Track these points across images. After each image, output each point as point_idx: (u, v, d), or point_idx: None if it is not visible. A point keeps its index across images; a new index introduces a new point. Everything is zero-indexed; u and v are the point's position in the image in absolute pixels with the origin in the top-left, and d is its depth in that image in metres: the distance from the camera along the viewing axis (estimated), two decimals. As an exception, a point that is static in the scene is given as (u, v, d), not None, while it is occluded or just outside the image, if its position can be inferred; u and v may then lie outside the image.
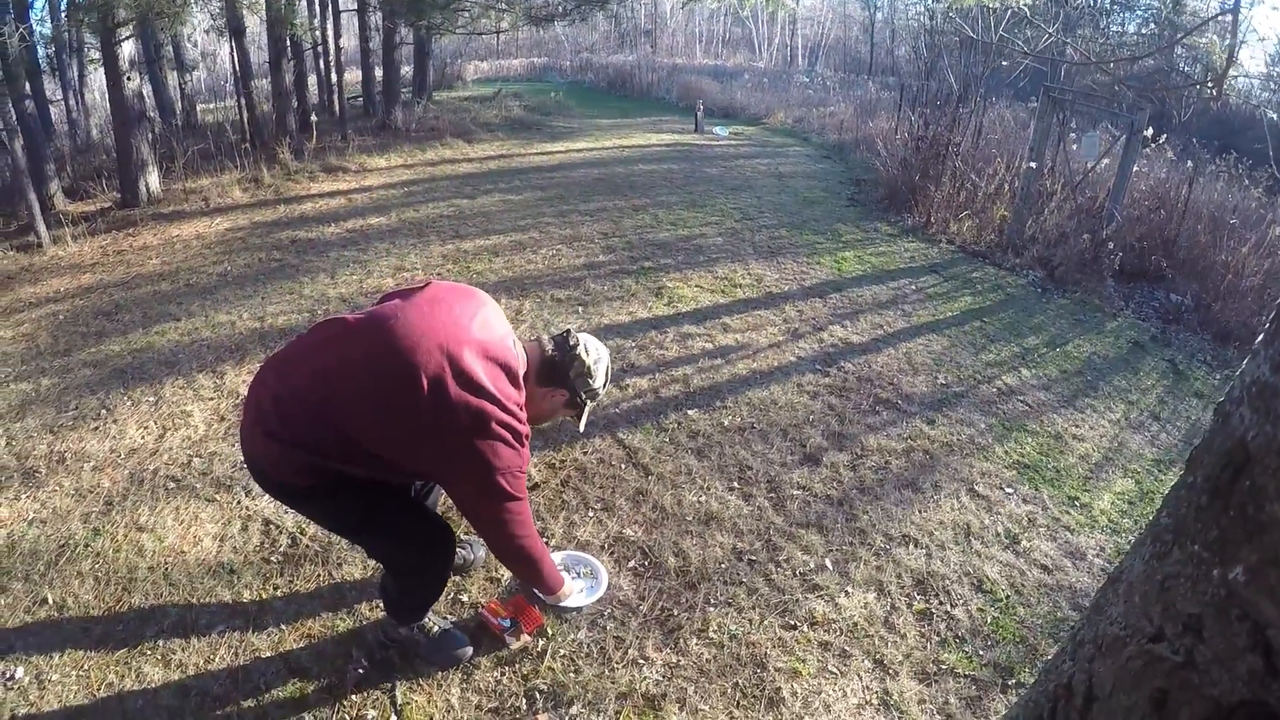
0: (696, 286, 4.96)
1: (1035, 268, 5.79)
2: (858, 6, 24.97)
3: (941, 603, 2.41)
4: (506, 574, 2.40)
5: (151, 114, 8.44)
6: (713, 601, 2.36)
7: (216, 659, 2.11)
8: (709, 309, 4.61)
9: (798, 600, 2.38)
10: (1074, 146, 6.95)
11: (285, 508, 2.66)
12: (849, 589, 2.44)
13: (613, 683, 2.06)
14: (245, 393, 3.41)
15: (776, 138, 11.91)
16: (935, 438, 3.34)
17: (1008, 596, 2.46)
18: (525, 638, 2.17)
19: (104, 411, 3.40)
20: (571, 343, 1.86)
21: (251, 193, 7.22)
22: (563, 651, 2.15)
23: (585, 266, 5.28)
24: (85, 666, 2.09)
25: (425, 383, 1.59)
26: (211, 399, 3.50)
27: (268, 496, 2.73)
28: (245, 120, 8.90)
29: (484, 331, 1.72)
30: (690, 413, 3.43)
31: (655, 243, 5.86)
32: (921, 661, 2.19)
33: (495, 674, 2.07)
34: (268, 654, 2.13)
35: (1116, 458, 3.37)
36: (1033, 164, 6.10)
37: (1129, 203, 6.19)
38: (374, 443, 1.65)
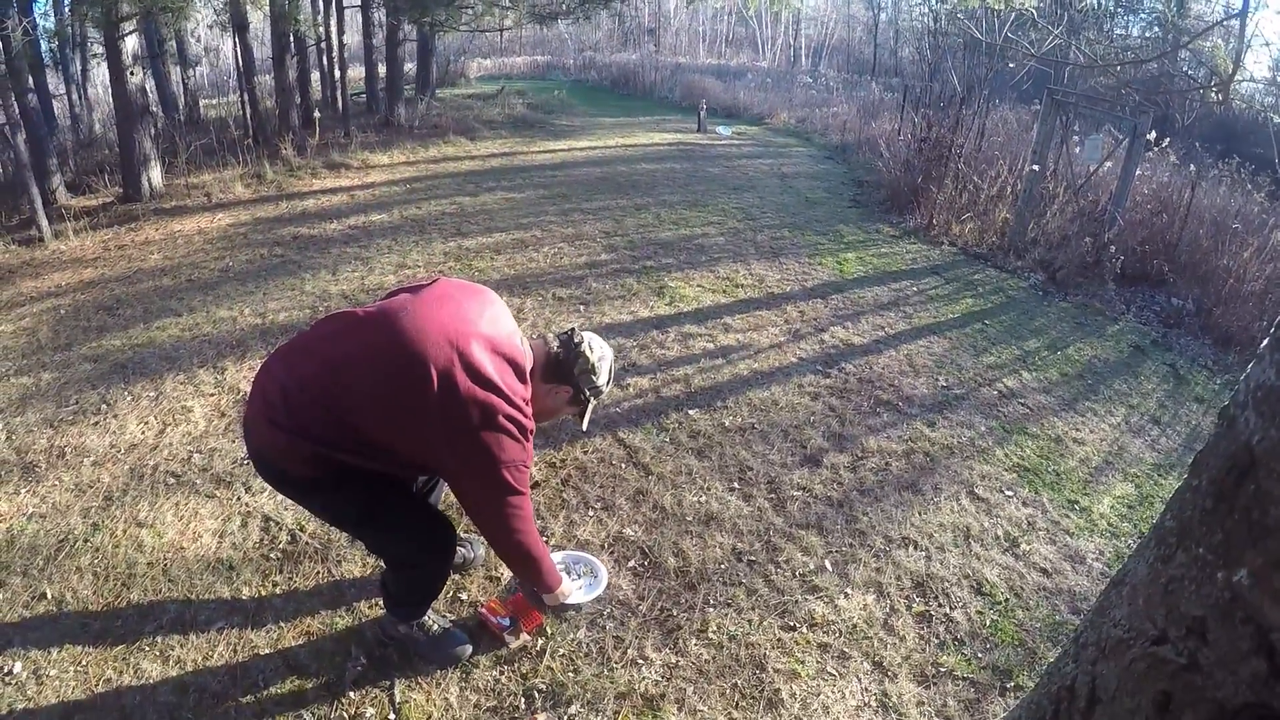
0: (698, 286, 4.95)
1: (1037, 270, 5.78)
2: (862, 7, 24.94)
3: (941, 605, 2.41)
4: (506, 573, 2.39)
5: (154, 109, 8.45)
6: (712, 602, 2.35)
7: (215, 656, 2.11)
8: (710, 309, 4.61)
9: (797, 601, 2.37)
10: (1077, 149, 6.94)
11: (285, 504, 2.67)
12: (848, 590, 2.44)
13: (611, 682, 2.06)
14: (247, 389, 3.42)
15: (779, 138, 11.91)
16: (935, 440, 3.34)
17: (1007, 599, 2.46)
18: (524, 637, 2.17)
19: (104, 406, 3.40)
20: (576, 340, 1.87)
21: (254, 188, 7.22)
22: (562, 651, 2.15)
23: (587, 265, 5.28)
24: (83, 662, 2.09)
25: (435, 375, 1.61)
26: (212, 395, 3.50)
27: (268, 492, 2.74)
28: (248, 116, 8.91)
29: (492, 327, 1.74)
30: (691, 413, 3.43)
31: (657, 242, 5.85)
32: (920, 664, 2.19)
33: (494, 673, 2.07)
34: (266, 651, 2.13)
35: (1116, 462, 3.37)
36: (1035, 167, 6.10)
37: (1131, 206, 6.19)
38: (380, 433, 1.67)
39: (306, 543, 2.53)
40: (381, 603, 2.12)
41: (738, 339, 4.20)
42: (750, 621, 2.29)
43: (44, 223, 5.82)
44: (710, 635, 2.23)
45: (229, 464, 2.97)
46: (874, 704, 2.05)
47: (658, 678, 2.08)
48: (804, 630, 2.27)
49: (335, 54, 10.71)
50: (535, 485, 2.86)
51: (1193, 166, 7.07)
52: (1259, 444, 0.67)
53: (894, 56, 21.15)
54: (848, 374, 3.87)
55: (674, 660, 2.14)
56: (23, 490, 2.81)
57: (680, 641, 2.20)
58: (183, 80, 10.79)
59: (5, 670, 2.05)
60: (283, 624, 2.22)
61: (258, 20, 11.32)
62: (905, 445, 3.28)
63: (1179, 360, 4.61)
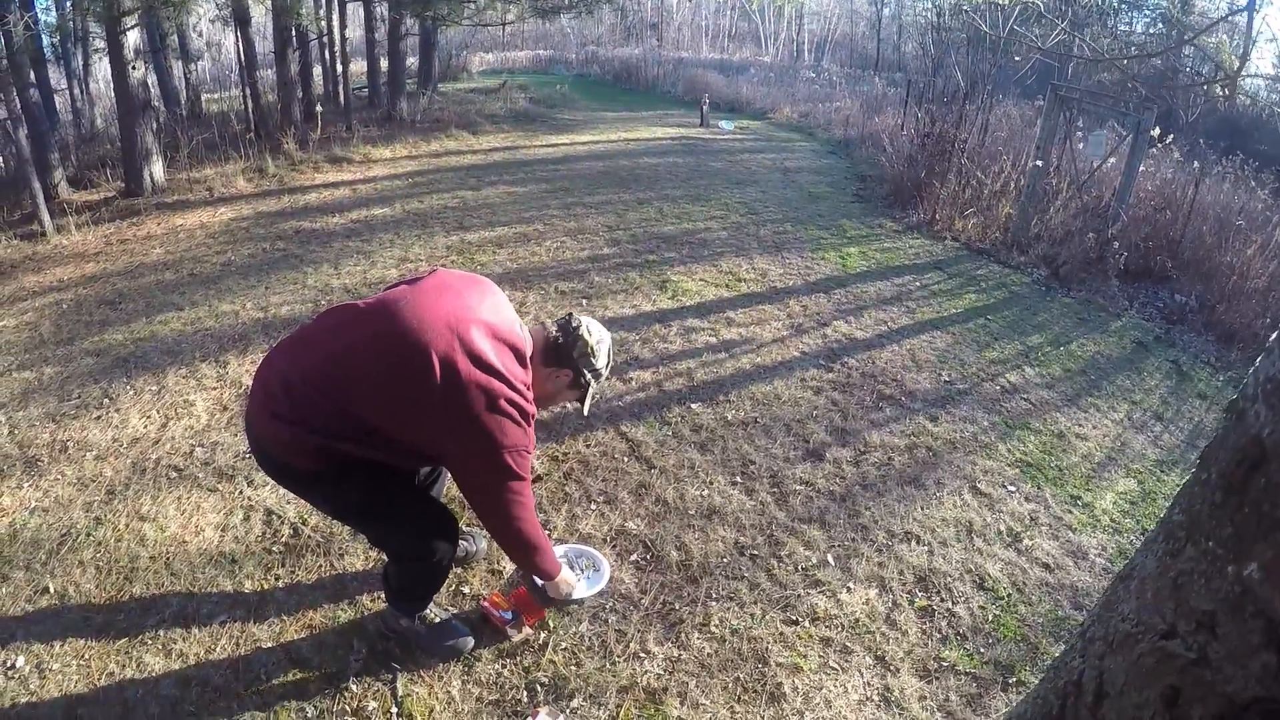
0: (701, 280, 4.94)
1: (1040, 266, 5.77)
2: (865, 2, 24.89)
3: (943, 600, 2.41)
4: (509, 567, 2.39)
5: (156, 103, 8.43)
6: (714, 596, 2.35)
7: (217, 649, 2.11)
8: (713, 303, 4.60)
9: (799, 596, 2.37)
10: (1080, 145, 6.91)
11: (288, 497, 2.67)
12: (851, 585, 2.44)
13: (614, 676, 2.06)
14: (248, 382, 3.41)
15: (782, 133, 11.88)
16: (938, 435, 3.33)
17: (1009, 594, 2.46)
18: (527, 630, 2.17)
19: (106, 400, 3.40)
20: (574, 325, 1.89)
21: (256, 183, 7.21)
22: (564, 644, 2.15)
23: (589, 259, 5.27)
24: (86, 656, 2.09)
25: (437, 362, 1.62)
26: (214, 388, 3.50)
27: (270, 486, 2.74)
28: (250, 110, 8.89)
29: (492, 314, 1.76)
30: (693, 406, 3.42)
31: (660, 236, 5.84)
32: (923, 658, 2.18)
33: (496, 666, 2.07)
34: (269, 644, 2.13)
35: (1119, 457, 3.36)
36: (1039, 162, 6.08)
37: (1134, 202, 6.17)
38: (383, 422, 1.68)
39: (309, 536, 2.53)
40: (383, 596, 2.12)
41: (740, 333, 4.19)
42: (752, 615, 2.28)
43: (46, 217, 5.82)
44: (712, 629, 2.23)
45: (231, 457, 2.97)
46: (876, 698, 2.05)
47: (660, 671, 2.08)
48: (806, 624, 2.27)
49: (337, 48, 10.69)
50: (538, 479, 2.86)
51: (1197, 163, 7.06)
52: (1269, 437, 0.66)
53: (897, 51, 21.09)
54: (850, 368, 3.87)
55: (676, 654, 2.14)
56: (25, 484, 2.81)
57: (682, 635, 2.20)
58: (185, 75, 10.78)
59: (8, 664, 2.05)
60: (285, 617, 2.22)
61: (260, 14, 11.31)
62: (908, 440, 3.27)
63: (1182, 356, 4.60)
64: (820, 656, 2.16)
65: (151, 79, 8.24)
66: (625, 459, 3.03)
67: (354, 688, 1.99)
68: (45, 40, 9.63)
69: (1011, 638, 2.28)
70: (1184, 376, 4.31)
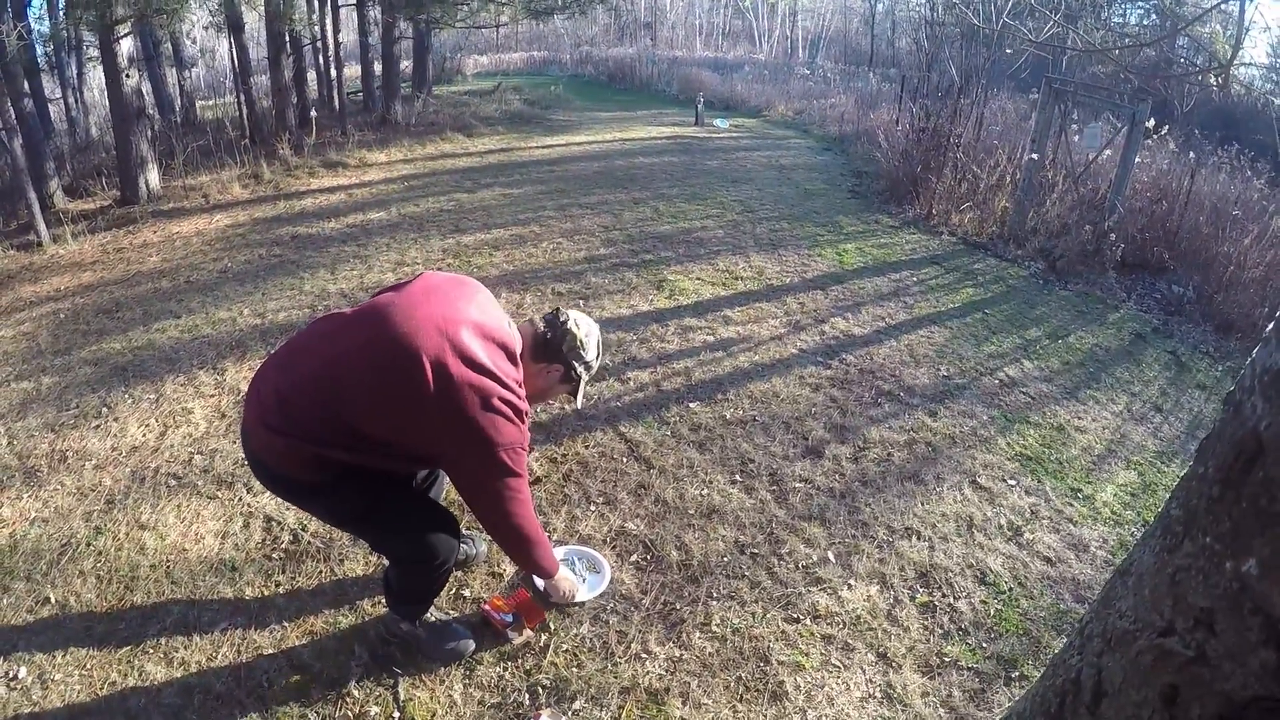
0: (697, 279, 4.94)
1: (1037, 259, 5.77)
2: (858, -2, 24.85)
3: (944, 595, 2.41)
4: (509, 569, 2.39)
5: (151, 111, 8.42)
6: (715, 595, 2.35)
7: (219, 657, 2.11)
8: (710, 301, 4.60)
9: (800, 593, 2.37)
10: (1076, 138, 6.91)
11: (287, 504, 2.66)
12: (852, 582, 2.43)
13: (615, 677, 2.05)
14: (246, 389, 3.41)
15: (777, 130, 11.87)
16: (937, 430, 3.33)
17: (1011, 589, 2.45)
18: (528, 633, 2.16)
19: (105, 409, 3.40)
20: (562, 319, 1.90)
21: (251, 189, 7.20)
22: (565, 646, 2.14)
23: (586, 260, 5.27)
24: (88, 665, 2.08)
25: (428, 364, 1.63)
26: (213, 396, 3.49)
27: (269, 493, 2.73)
28: (245, 116, 8.89)
29: (480, 314, 1.77)
30: (692, 405, 3.42)
31: (656, 235, 5.84)
32: (924, 654, 2.18)
33: (498, 669, 2.07)
34: (270, 651, 2.13)
35: (1119, 450, 3.36)
36: (1034, 155, 6.07)
37: (1131, 194, 6.16)
38: (378, 427, 1.68)
39: (309, 542, 2.53)
40: (384, 600, 2.12)
41: (738, 331, 4.19)
42: (754, 614, 2.28)
43: (42, 227, 5.82)
44: (714, 628, 2.22)
45: (230, 465, 2.96)
46: (879, 695, 2.05)
47: (661, 672, 2.08)
48: (808, 622, 2.27)
49: (331, 53, 10.67)
50: (537, 481, 2.86)
51: (1192, 153, 7.05)
52: (1266, 430, 0.66)
53: (891, 47, 21.07)
54: (848, 365, 3.86)
55: (677, 654, 2.14)
56: (25, 495, 2.81)
57: (684, 635, 2.20)
58: (179, 82, 10.77)
59: (10, 675, 2.05)
60: (286, 624, 2.21)
61: (253, 20, 11.29)
62: (907, 435, 3.27)
63: (1180, 347, 4.60)
64: (822, 654, 2.16)
65: (146, 87, 8.24)
66: (624, 459, 3.03)
67: (356, 692, 1.99)
68: (39, 50, 9.61)
69: (1014, 632, 2.28)
70: (1182, 367, 4.31)
